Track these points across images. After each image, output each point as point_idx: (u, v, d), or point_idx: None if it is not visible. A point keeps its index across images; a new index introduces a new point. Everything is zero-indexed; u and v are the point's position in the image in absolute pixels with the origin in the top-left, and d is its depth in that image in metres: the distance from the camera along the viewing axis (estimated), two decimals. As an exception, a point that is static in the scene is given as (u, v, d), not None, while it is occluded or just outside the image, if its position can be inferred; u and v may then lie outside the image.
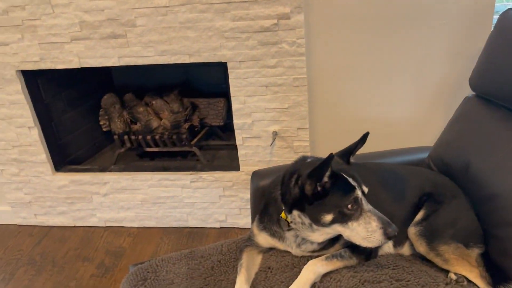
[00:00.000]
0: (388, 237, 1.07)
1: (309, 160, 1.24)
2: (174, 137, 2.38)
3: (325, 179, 1.08)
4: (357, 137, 1.19)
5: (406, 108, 1.99)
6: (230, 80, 2.02)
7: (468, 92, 1.52)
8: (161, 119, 2.42)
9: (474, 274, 1.18)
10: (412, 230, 1.27)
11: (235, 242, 1.40)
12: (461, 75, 1.80)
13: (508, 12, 1.36)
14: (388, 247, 1.29)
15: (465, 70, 1.68)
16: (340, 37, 1.92)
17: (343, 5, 1.86)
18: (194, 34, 1.94)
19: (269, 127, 2.09)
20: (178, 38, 1.96)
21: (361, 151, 1.23)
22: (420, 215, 1.28)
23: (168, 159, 2.53)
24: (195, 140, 2.45)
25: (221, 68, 2.12)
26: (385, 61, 1.91)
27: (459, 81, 1.84)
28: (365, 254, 1.23)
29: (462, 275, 1.18)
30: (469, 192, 1.33)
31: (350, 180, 1.10)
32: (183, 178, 2.29)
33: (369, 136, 1.20)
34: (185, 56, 1.99)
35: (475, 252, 1.23)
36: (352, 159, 1.23)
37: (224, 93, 2.41)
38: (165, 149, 2.45)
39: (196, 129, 2.47)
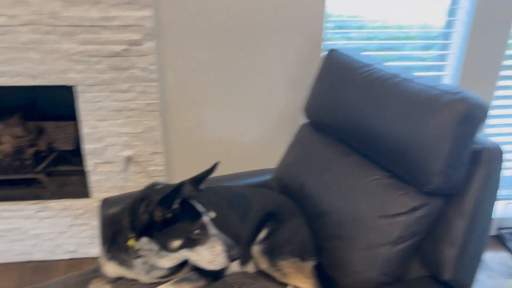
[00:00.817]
0: (231, 259, 1.15)
1: (159, 186, 1.26)
2: (17, 163, 2.20)
3: (175, 205, 1.12)
4: (213, 161, 1.25)
5: (255, 132, 2.13)
6: (79, 103, 1.95)
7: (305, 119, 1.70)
8: (1, 143, 2.22)
9: (308, 285, 1.32)
10: (255, 249, 1.37)
11: (82, 275, 1.35)
12: (299, 104, 2.01)
13: (332, 52, 1.57)
14: (235, 266, 1.37)
15: (302, 99, 1.87)
16: (192, 65, 2.00)
17: (195, 35, 1.95)
18: (38, 55, 1.84)
19: (122, 152, 2.06)
20: (19, 59, 1.84)
21: (215, 174, 1.28)
22: (262, 234, 1.39)
23: (9, 187, 2.32)
24: (42, 166, 2.30)
25: (71, 90, 2.04)
26: (234, 89, 2.04)
27: (298, 109, 2.05)
28: (213, 275, 1.28)
29: (298, 286, 1.31)
30: (305, 210, 1.49)
31: (198, 206, 1.16)
32: (27, 208, 2.12)
33: (222, 159, 1.27)
34: (28, 78, 1.87)
35: (310, 264, 1.37)
36: (203, 185, 1.28)
37: (75, 116, 2.30)
38: (5, 177, 2.25)
39: (43, 154, 2.31)
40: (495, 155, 1.27)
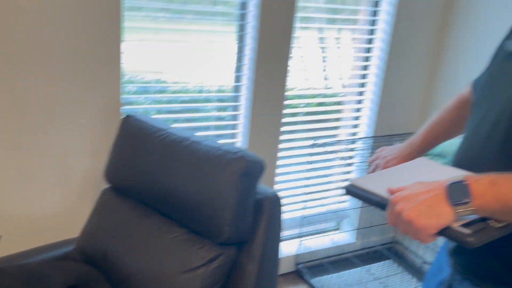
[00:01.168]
0: None
1: None
2: None
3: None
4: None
5: (56, 202, 2.03)
6: None
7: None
8: None
9: None
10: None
11: None
12: (101, 169, 2.00)
13: (127, 118, 1.64)
14: None
15: (104, 164, 1.87)
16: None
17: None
18: None
19: None
20: None
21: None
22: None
23: None
24: None
25: None
26: (26, 160, 1.93)
27: (100, 174, 2.03)
28: None
29: None
30: (110, 276, 1.47)
31: None
32: None
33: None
34: None
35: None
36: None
37: None
38: None
39: None
40: (274, 202, 1.48)
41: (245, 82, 2.19)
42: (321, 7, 2.48)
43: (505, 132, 0.90)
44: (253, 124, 2.23)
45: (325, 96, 2.62)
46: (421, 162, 1.06)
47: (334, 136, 2.63)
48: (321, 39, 2.60)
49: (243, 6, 2.08)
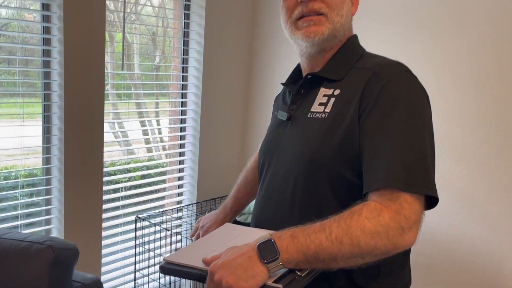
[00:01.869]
0: None
1: None
2: None
3: None
4: None
5: None
6: None
7: None
8: None
9: None
10: None
11: None
12: None
13: None
14: None
15: None
16: None
17: None
18: None
19: None
20: None
21: None
22: None
23: None
24: None
25: None
26: None
27: None
28: None
29: None
30: None
31: None
32: None
33: None
34: None
35: None
36: None
37: None
38: None
39: None
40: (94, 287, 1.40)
41: (56, 163, 2.07)
42: (135, 79, 2.54)
43: (291, 193, 1.02)
44: (68, 207, 2.10)
45: (148, 168, 2.63)
46: (228, 227, 1.13)
47: (160, 207, 2.63)
48: (139, 109, 2.65)
49: (47, 86, 2.02)
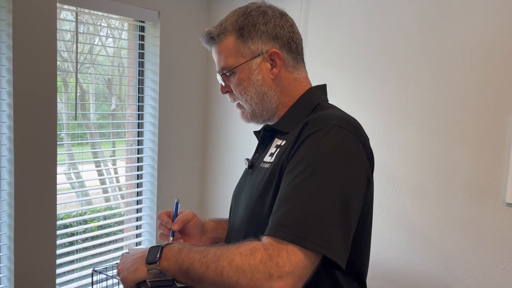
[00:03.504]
0: None
1: None
2: None
3: None
4: None
5: None
6: None
7: None
8: None
9: None
10: None
11: None
12: None
13: None
14: None
15: None
16: None
17: None
18: None
19: None
20: None
21: None
22: None
23: None
24: None
25: None
26: None
27: None
28: None
29: None
30: None
31: None
32: None
33: None
34: None
35: None
36: None
37: None
38: None
39: None
40: None
41: (5, 219, 1.99)
42: (90, 127, 2.51)
43: (243, 234, 1.04)
44: (18, 265, 2.00)
45: (106, 217, 2.56)
46: None
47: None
48: (94, 154, 2.60)
49: (-5, 139, 1.96)
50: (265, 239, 0.89)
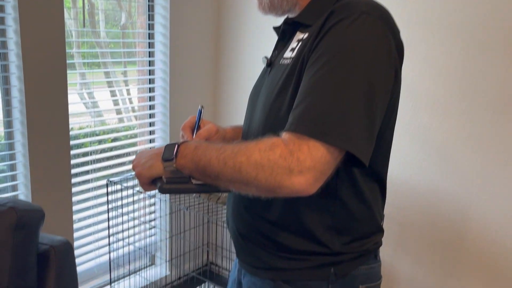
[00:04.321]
0: None
1: None
2: None
3: None
4: None
5: None
6: None
7: None
8: None
9: None
10: None
11: None
12: None
13: None
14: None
15: None
16: None
17: None
18: None
19: None
20: None
21: None
22: None
23: None
24: None
25: None
26: None
27: None
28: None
29: None
30: None
31: None
32: None
33: None
34: None
35: None
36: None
37: None
38: None
39: None
40: (63, 251, 1.35)
41: (18, 126, 1.98)
42: (101, 45, 2.43)
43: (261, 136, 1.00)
44: (34, 172, 2.03)
45: (118, 131, 2.56)
46: None
47: (131, 171, 2.57)
48: (106, 74, 2.55)
49: (2, 44, 1.90)
50: (285, 134, 0.84)
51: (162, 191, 0.93)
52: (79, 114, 2.37)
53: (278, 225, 1.01)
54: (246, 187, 0.86)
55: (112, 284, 2.52)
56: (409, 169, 2.13)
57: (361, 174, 0.97)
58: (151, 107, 2.62)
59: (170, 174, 0.92)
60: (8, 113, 1.97)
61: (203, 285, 2.84)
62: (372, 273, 1.06)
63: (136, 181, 2.51)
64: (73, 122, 2.19)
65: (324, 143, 0.81)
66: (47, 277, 1.28)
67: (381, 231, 1.08)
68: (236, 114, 2.77)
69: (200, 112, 1.19)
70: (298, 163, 0.80)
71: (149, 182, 0.95)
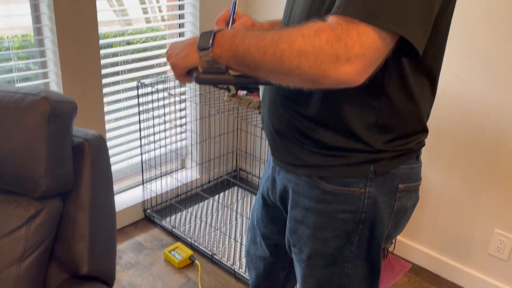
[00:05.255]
0: None
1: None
2: None
3: None
4: None
5: None
6: None
7: None
8: None
9: None
10: None
11: None
12: None
13: None
14: None
15: None
16: None
17: None
18: None
19: None
20: None
21: None
22: None
23: None
24: None
25: None
26: None
27: None
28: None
29: None
30: None
31: None
32: None
33: None
34: None
35: None
36: None
37: None
38: None
39: None
40: (97, 144, 1.35)
41: (47, 22, 1.93)
42: None
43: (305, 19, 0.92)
44: (65, 70, 2.01)
45: (147, 32, 2.48)
46: None
47: (161, 73, 2.53)
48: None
49: None
50: (331, 18, 0.76)
51: (198, 81, 0.88)
52: (108, 22, 2.30)
53: (316, 121, 0.96)
54: (287, 77, 0.79)
55: (145, 184, 2.60)
56: (452, 75, 2.01)
57: (411, 67, 0.90)
58: (180, 16, 2.51)
59: (206, 64, 0.87)
60: (36, 8, 1.91)
61: (231, 189, 2.91)
62: (413, 174, 1.02)
63: (167, 84, 2.48)
64: (103, 29, 2.12)
65: (375, 27, 0.73)
66: (82, 169, 1.29)
67: (425, 131, 1.02)
68: (273, 6, 2.61)
69: (235, 4, 1.11)
70: (346, 50, 0.72)
71: (185, 73, 0.91)
